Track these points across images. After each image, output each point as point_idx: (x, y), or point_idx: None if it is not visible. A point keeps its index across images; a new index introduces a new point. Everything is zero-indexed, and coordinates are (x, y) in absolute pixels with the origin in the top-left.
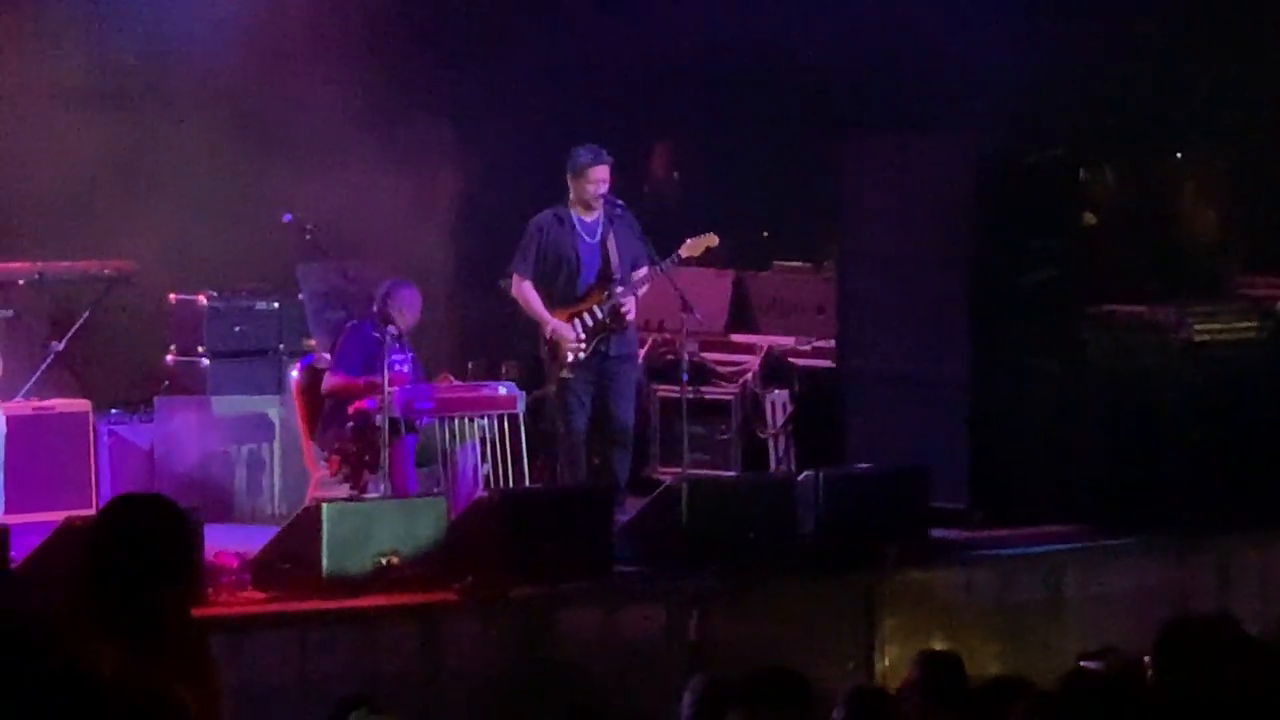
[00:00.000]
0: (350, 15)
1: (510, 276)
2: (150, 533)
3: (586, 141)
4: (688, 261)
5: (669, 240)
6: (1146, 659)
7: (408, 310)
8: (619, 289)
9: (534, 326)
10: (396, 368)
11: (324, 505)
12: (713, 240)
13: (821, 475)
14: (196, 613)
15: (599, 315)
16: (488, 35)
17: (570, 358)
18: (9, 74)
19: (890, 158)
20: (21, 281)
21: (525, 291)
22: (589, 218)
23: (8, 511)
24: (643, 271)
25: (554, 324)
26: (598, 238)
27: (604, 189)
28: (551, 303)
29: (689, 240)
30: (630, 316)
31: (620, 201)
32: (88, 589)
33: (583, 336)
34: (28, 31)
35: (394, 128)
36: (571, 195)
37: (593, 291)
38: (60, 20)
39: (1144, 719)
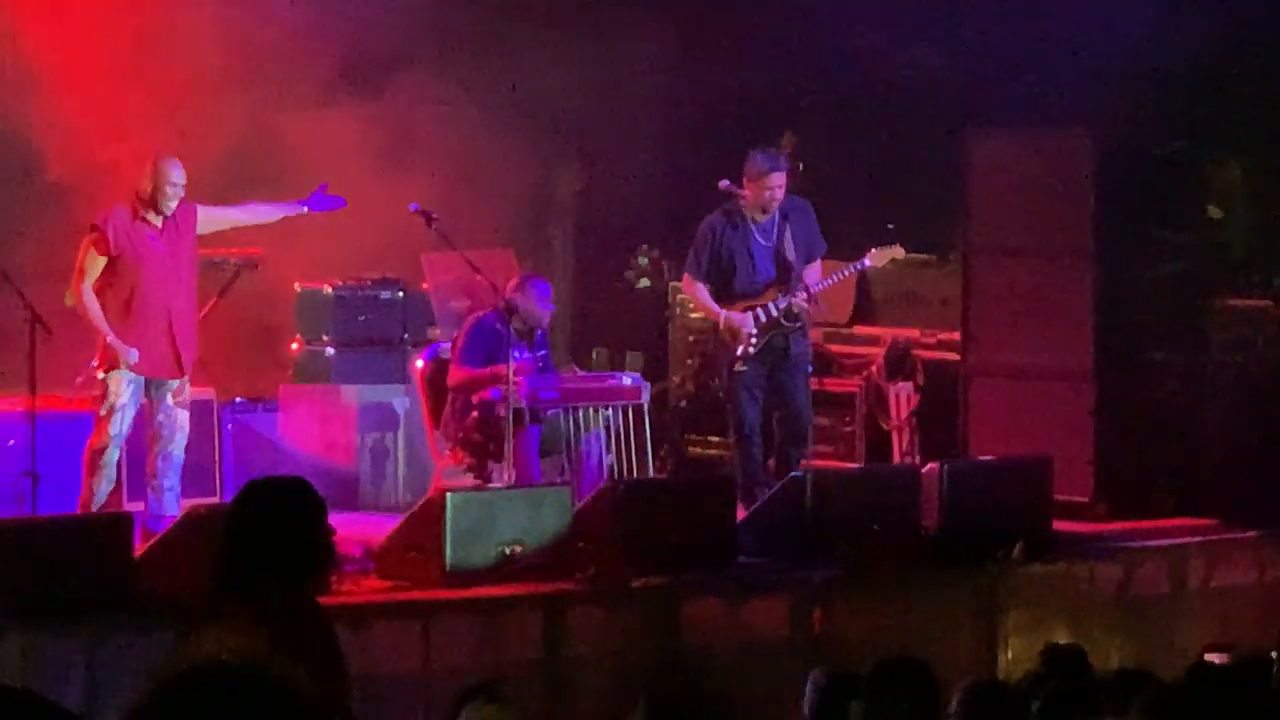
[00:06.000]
0: (470, 9)
1: (682, 277)
2: (290, 517)
3: (709, 136)
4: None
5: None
6: (1273, 653)
7: (539, 303)
8: (796, 287)
9: (665, 319)
10: (518, 358)
11: (448, 494)
12: (899, 253)
13: (945, 467)
14: (322, 601)
15: (774, 312)
16: (608, 28)
17: (741, 349)
18: (139, 59)
19: (1014, 151)
20: None
21: (695, 290)
22: (763, 219)
23: (131, 499)
24: (816, 272)
25: (725, 314)
26: (773, 240)
27: (780, 194)
28: (729, 299)
29: (875, 250)
30: (806, 305)
31: (796, 196)
32: (223, 574)
33: (754, 331)
34: (156, 17)
35: (518, 119)
36: (748, 196)
37: (770, 288)
38: (192, 4)
39: (1269, 713)
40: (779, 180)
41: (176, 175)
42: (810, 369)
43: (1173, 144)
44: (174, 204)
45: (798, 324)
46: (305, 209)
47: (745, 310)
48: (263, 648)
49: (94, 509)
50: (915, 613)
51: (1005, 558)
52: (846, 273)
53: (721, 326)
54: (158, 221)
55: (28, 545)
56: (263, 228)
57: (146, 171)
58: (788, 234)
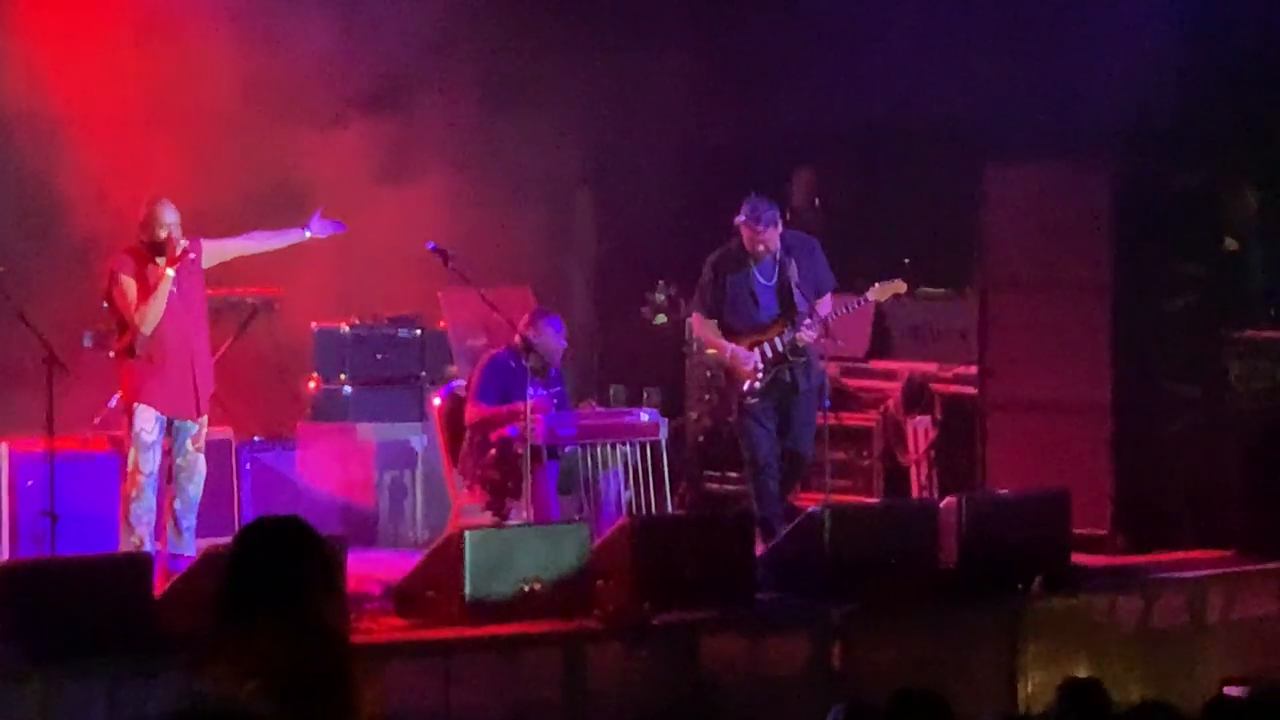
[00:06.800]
0: (486, 38)
1: (690, 316)
2: (285, 555)
3: (727, 171)
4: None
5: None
6: None
7: (552, 339)
8: (801, 322)
9: (682, 355)
10: (535, 395)
11: (466, 532)
12: (900, 287)
13: (963, 501)
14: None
15: (779, 347)
16: (627, 65)
17: (746, 385)
18: (155, 100)
19: (1031, 185)
20: None
21: (701, 328)
22: (765, 259)
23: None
24: (826, 305)
25: (731, 349)
26: (773, 279)
27: (771, 245)
28: (736, 335)
29: (878, 284)
30: (812, 338)
31: (800, 233)
32: (225, 614)
33: (760, 366)
34: (175, 61)
35: (534, 155)
36: (744, 241)
37: (775, 323)
38: (207, 47)
39: None
40: (768, 236)
41: (170, 215)
42: (828, 404)
43: (1189, 176)
44: (178, 243)
45: (803, 358)
46: (307, 234)
47: (751, 346)
48: (252, 692)
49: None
50: (935, 647)
51: (1025, 591)
52: (849, 308)
53: (726, 360)
54: (162, 262)
55: (47, 586)
56: (279, 267)
57: (143, 216)
58: (791, 270)
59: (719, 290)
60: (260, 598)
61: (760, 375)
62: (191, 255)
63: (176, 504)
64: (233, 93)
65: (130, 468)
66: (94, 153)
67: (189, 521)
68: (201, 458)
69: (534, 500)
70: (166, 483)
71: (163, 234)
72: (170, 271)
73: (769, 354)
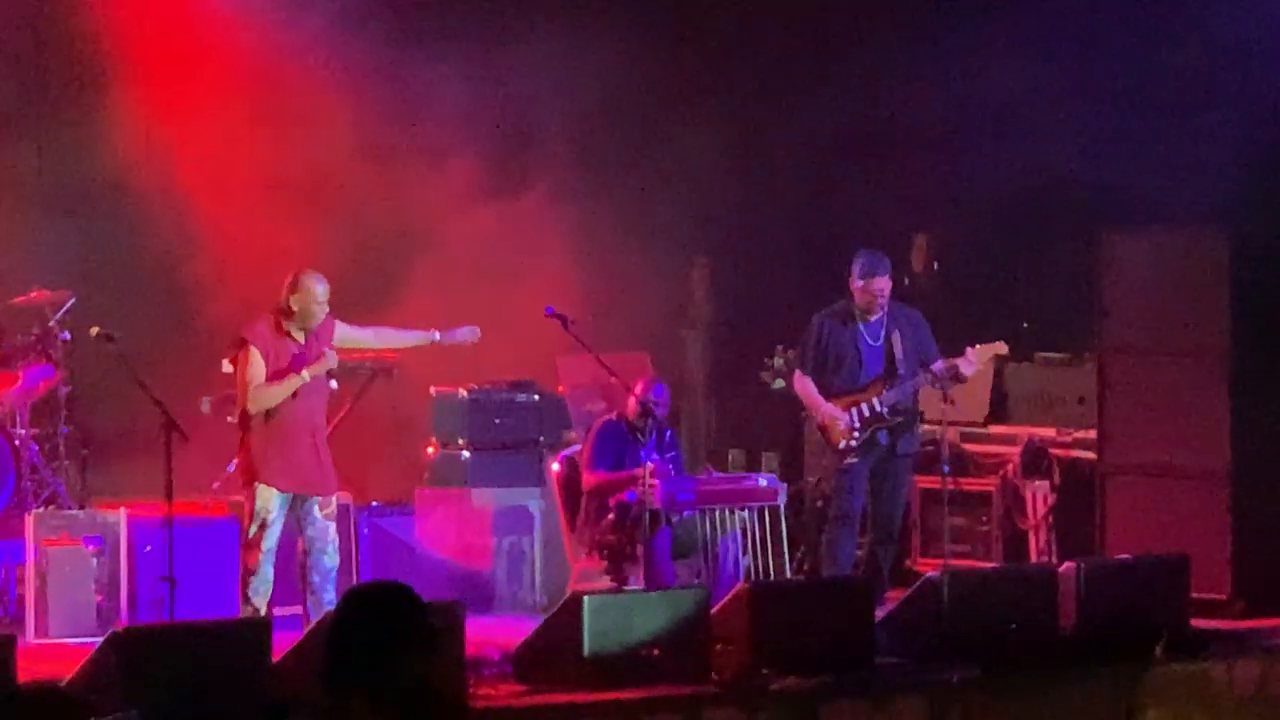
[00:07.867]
0: (607, 105)
1: (793, 372)
2: (384, 621)
3: (843, 237)
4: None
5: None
6: None
7: (656, 408)
8: (902, 383)
9: (800, 419)
10: (652, 460)
11: (585, 597)
12: (1002, 348)
13: (1082, 566)
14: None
15: (877, 407)
16: (743, 133)
17: (841, 443)
18: (266, 164)
19: (1149, 250)
20: None
21: (801, 384)
22: (872, 318)
23: (278, 604)
24: (939, 366)
25: (826, 408)
26: (880, 340)
27: (884, 297)
28: (835, 394)
29: (979, 346)
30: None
31: (907, 306)
32: (329, 679)
33: (856, 425)
34: (292, 132)
35: (653, 221)
36: (855, 297)
37: (874, 384)
38: (328, 118)
39: None
40: (881, 285)
41: (322, 292)
42: (946, 469)
43: None
44: (320, 320)
45: (900, 419)
46: (437, 335)
47: (848, 407)
48: None
49: None
50: (1054, 712)
51: (1147, 657)
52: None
53: (820, 420)
54: (300, 337)
55: (166, 651)
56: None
57: (291, 287)
58: (896, 336)
59: (822, 347)
60: (361, 663)
61: (856, 434)
62: (332, 361)
63: (314, 577)
64: (353, 161)
65: (250, 540)
66: (218, 224)
67: (329, 595)
68: (332, 526)
69: (649, 565)
70: (303, 557)
71: (314, 308)
72: (306, 375)
73: (865, 413)
